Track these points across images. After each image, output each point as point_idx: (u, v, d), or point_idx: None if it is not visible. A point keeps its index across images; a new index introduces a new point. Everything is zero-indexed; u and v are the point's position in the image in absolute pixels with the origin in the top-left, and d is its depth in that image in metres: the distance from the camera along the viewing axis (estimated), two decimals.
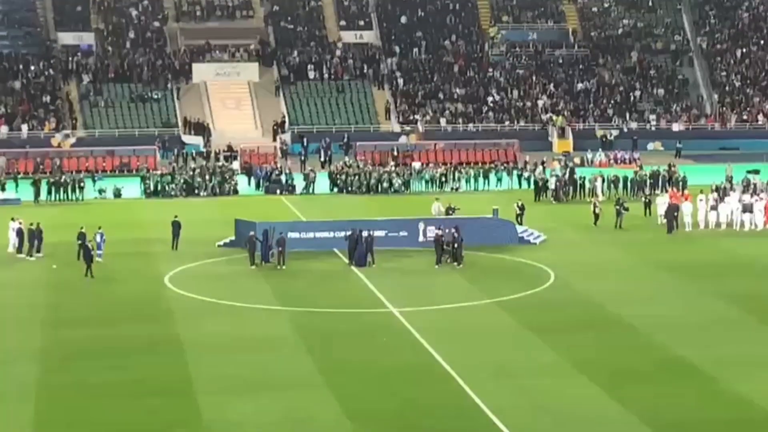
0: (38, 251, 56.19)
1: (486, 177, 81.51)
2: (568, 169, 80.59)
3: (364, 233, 54.52)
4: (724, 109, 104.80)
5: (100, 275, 52.46)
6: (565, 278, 51.32)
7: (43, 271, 53.60)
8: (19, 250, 56.42)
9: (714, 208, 64.10)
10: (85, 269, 52.07)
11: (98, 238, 55.47)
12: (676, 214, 63.37)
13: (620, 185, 76.33)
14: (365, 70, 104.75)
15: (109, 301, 47.95)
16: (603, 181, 75.56)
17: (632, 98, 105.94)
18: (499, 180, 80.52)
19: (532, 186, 76.78)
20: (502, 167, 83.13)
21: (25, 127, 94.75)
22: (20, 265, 55.07)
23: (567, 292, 48.91)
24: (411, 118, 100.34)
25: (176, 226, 57.08)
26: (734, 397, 34.61)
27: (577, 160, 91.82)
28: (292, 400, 34.46)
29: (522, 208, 64.34)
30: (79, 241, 54.15)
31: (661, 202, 65.65)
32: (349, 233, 54.76)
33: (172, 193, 78.48)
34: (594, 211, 65.35)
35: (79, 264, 52.80)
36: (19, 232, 56.69)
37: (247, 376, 36.91)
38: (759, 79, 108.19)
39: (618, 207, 64.84)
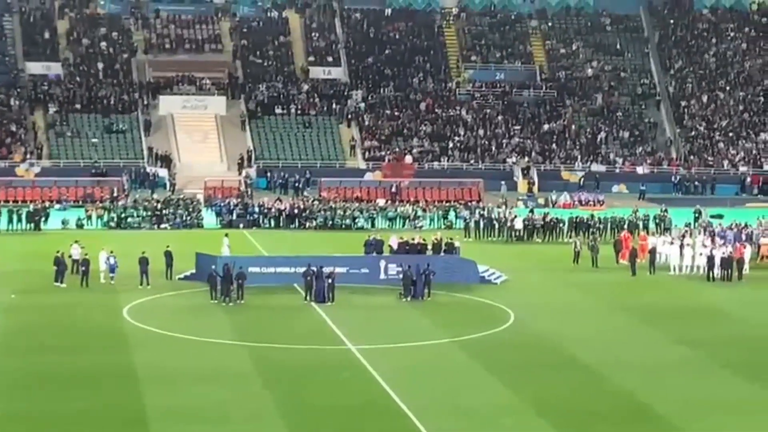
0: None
1: (447, 216, 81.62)
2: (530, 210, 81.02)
3: (326, 270, 54.47)
4: (691, 156, 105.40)
5: (58, 304, 52.37)
6: (525, 319, 51.37)
7: (4, 297, 53.30)
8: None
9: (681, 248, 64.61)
10: (81, 280, 55.66)
11: (111, 261, 57.14)
12: (638, 257, 63.74)
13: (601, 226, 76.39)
14: (333, 106, 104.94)
15: (66, 330, 47.74)
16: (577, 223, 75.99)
17: (598, 140, 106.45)
18: (462, 219, 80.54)
19: (497, 225, 76.93)
20: (465, 207, 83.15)
21: None
22: None
23: (526, 333, 48.94)
24: (377, 154, 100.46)
25: (144, 262, 56.93)
26: None
27: (541, 201, 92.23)
28: None
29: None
30: (74, 259, 57.98)
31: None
32: (304, 269, 54.71)
33: (134, 225, 78.39)
34: (575, 250, 65.67)
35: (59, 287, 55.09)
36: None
37: (203, 409, 36.71)
38: (724, 125, 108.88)
39: (592, 245, 65.46)
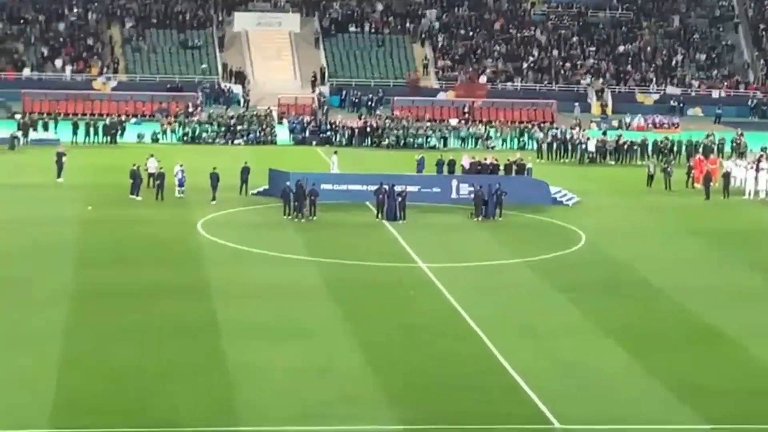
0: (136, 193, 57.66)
1: (521, 136, 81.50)
2: (603, 132, 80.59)
3: (398, 188, 54.74)
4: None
5: (133, 217, 53.20)
6: (596, 241, 51.40)
7: (81, 210, 54.18)
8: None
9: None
10: (155, 194, 56.43)
11: (180, 175, 57.63)
12: (712, 181, 63.36)
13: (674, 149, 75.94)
14: (407, 25, 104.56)
15: (141, 243, 48.48)
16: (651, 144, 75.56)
17: (674, 62, 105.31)
18: (535, 140, 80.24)
19: (569, 147, 76.69)
20: (539, 128, 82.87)
21: (68, 69, 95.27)
22: (58, 202, 55.65)
23: (597, 255, 49.01)
24: (450, 74, 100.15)
25: (214, 177, 57.47)
26: (760, 367, 34.63)
27: (614, 123, 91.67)
28: (316, 348, 34.84)
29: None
30: (150, 172, 59.02)
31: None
32: (376, 187, 55.01)
33: (209, 140, 79.16)
34: (648, 173, 65.47)
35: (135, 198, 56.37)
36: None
37: (273, 323, 37.31)
38: None
39: (665, 168, 65.18)
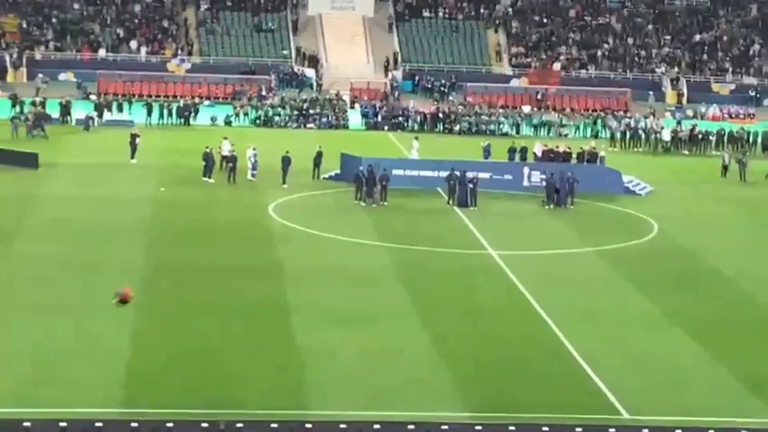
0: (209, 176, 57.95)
1: (595, 125, 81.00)
2: (678, 123, 79.90)
3: (469, 174, 54.65)
4: None
5: (205, 198, 53.60)
6: (669, 231, 51.02)
7: (154, 190, 54.67)
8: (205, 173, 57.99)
9: None
10: (228, 176, 56.68)
11: (252, 159, 57.89)
12: None
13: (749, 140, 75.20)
14: (481, 11, 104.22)
15: (213, 225, 48.85)
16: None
17: (751, 52, 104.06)
18: (609, 128, 79.55)
19: (643, 136, 76.13)
20: (612, 116, 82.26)
21: (143, 50, 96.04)
22: (131, 183, 56.19)
23: (669, 245, 48.65)
24: (524, 61, 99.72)
25: (286, 161, 57.66)
26: None
27: (689, 113, 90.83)
28: (384, 332, 34.94)
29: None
30: (223, 155, 59.20)
31: None
32: (447, 174, 54.95)
33: (281, 123, 79.48)
34: (723, 164, 64.90)
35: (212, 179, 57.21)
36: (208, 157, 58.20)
37: (343, 307, 37.45)
38: None
39: (740, 159, 64.67)
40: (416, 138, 66.71)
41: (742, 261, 46.15)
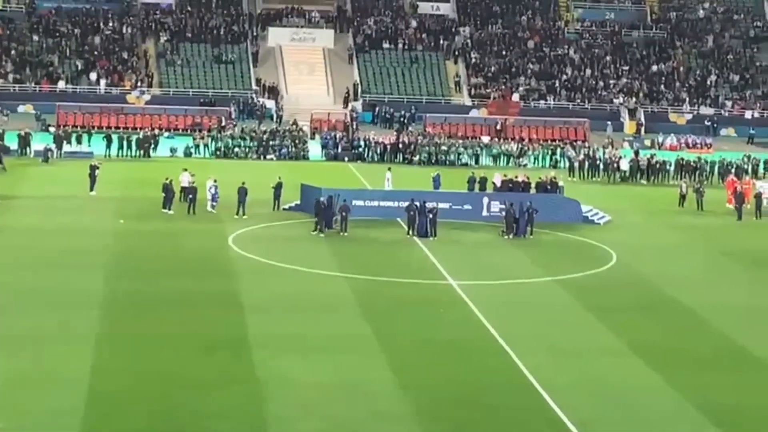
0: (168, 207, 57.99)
1: (554, 155, 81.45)
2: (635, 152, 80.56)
3: (429, 205, 54.80)
4: None
5: (165, 230, 53.48)
6: (627, 260, 51.31)
7: (113, 222, 54.49)
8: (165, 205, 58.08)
9: None
10: (188, 208, 56.73)
11: (213, 190, 58.00)
12: (744, 202, 63.16)
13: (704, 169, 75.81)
14: (440, 42, 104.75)
15: (172, 256, 48.73)
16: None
17: (708, 83, 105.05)
18: (567, 158, 80.00)
19: (602, 166, 76.62)
20: (571, 146, 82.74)
21: (102, 82, 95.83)
22: (91, 215, 55.98)
23: (628, 274, 48.92)
24: (483, 92, 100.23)
25: (242, 192, 57.70)
26: None
27: (647, 143, 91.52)
28: (346, 364, 34.90)
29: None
30: (183, 186, 59.27)
31: None
32: (407, 204, 55.07)
33: (242, 155, 79.47)
34: (680, 193, 65.40)
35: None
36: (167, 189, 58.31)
37: (304, 337, 37.40)
38: None
39: (697, 188, 65.21)
40: (389, 169, 66.89)
41: (699, 289, 46.48)
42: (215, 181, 58.78)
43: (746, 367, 36.58)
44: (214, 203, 58.00)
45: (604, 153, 78.45)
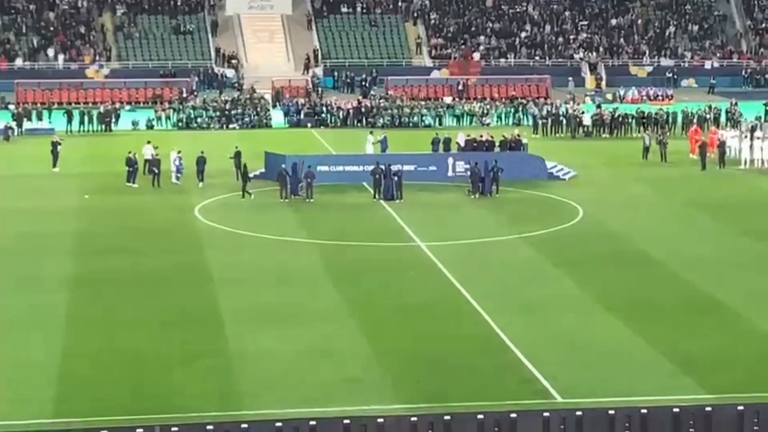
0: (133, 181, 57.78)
1: (516, 113, 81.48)
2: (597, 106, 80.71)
3: (394, 167, 54.77)
4: (762, 49, 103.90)
5: (130, 204, 53.25)
6: (594, 214, 51.46)
7: (78, 199, 54.20)
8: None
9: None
10: (152, 181, 56.11)
11: (177, 162, 57.56)
12: (708, 152, 63.39)
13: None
14: (398, 4, 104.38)
15: (139, 231, 48.51)
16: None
17: (666, 34, 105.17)
18: (531, 116, 79.91)
19: (565, 122, 76.69)
20: (533, 103, 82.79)
21: (61, 58, 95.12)
22: (55, 192, 55.68)
23: (595, 229, 49.07)
24: (443, 52, 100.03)
25: (201, 161, 57.57)
26: (759, 334, 34.79)
27: (609, 96, 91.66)
28: (317, 332, 34.89)
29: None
30: (146, 159, 58.65)
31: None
32: (372, 167, 55.00)
33: (203, 125, 79.11)
34: (644, 145, 65.56)
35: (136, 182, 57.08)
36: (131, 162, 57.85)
37: (274, 307, 37.37)
38: None
39: (660, 140, 65.37)
40: (371, 132, 66.60)
41: (666, 241, 46.69)
42: (179, 152, 58.50)
43: (714, 315, 36.84)
44: (179, 175, 57.76)
45: (566, 109, 78.48)
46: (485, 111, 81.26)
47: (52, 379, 30.84)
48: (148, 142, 60.77)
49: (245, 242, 46.58)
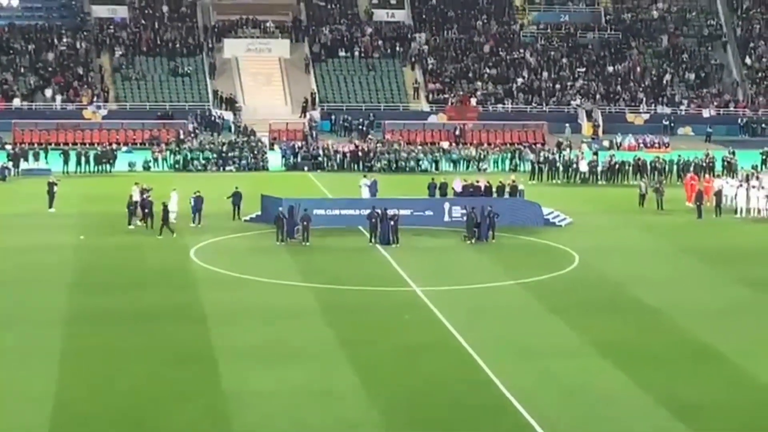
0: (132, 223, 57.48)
1: (513, 158, 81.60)
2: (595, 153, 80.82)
3: (390, 211, 54.77)
4: (758, 98, 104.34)
5: (126, 244, 53.16)
6: (589, 261, 51.42)
7: (74, 239, 54.12)
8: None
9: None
10: (160, 227, 54.88)
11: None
12: (703, 200, 63.43)
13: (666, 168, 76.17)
14: (396, 49, 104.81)
15: (134, 270, 48.44)
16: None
17: (663, 82, 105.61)
18: (527, 162, 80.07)
19: (561, 168, 76.79)
20: (530, 149, 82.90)
21: (58, 98, 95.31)
22: (51, 229, 55.61)
23: (591, 275, 49.02)
24: (441, 97, 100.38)
25: (199, 201, 57.54)
26: (755, 382, 34.69)
27: (605, 144, 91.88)
28: (311, 372, 34.79)
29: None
30: (134, 200, 57.50)
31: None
32: (368, 211, 54.99)
33: (200, 167, 79.15)
34: (640, 193, 65.57)
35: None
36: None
37: (268, 347, 37.29)
38: None
39: (657, 187, 65.41)
40: (365, 176, 66.63)
41: (662, 288, 46.62)
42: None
43: (710, 363, 36.73)
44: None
45: (562, 155, 78.59)
46: (482, 156, 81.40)
47: (46, 414, 30.69)
48: (136, 183, 60.16)
49: (240, 284, 46.40)
